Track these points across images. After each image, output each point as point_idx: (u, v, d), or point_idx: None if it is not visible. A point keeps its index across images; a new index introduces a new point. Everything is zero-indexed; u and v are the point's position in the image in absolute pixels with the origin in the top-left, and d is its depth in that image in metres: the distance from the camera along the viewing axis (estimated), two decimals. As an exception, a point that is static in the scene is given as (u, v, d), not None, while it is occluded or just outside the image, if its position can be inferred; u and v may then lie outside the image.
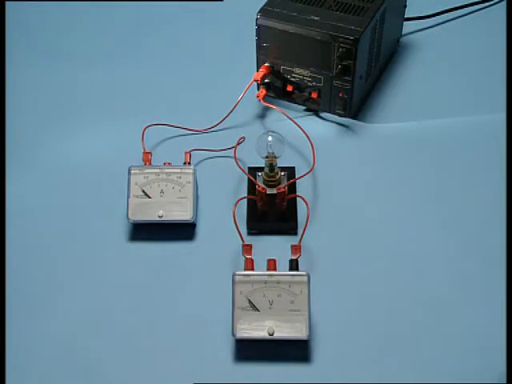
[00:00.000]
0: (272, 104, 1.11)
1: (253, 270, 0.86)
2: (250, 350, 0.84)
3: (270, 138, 0.95)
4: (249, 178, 1.00)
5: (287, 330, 0.82)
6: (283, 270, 0.85)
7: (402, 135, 1.11)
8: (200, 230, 0.98)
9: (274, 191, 0.96)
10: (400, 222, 0.98)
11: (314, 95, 1.11)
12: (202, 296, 0.90)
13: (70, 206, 1.02)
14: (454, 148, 1.08)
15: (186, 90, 1.20)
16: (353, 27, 1.03)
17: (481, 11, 1.35)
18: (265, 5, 1.09)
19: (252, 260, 0.87)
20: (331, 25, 1.04)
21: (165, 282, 0.92)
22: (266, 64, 1.11)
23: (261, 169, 0.99)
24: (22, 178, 1.06)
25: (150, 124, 1.07)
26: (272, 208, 0.97)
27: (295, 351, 0.83)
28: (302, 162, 1.05)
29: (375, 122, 1.13)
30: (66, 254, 0.96)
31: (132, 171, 0.98)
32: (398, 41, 1.27)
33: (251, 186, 0.99)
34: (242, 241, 0.89)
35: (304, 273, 0.84)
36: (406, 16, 1.25)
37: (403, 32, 1.28)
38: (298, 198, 0.98)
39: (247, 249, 0.88)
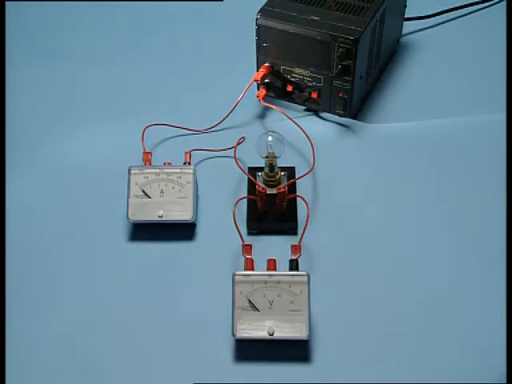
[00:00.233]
0: (272, 104, 1.11)
1: (253, 269, 0.86)
2: (249, 350, 0.84)
3: (270, 138, 0.95)
4: (249, 178, 1.00)
5: (287, 329, 0.82)
6: (283, 270, 0.85)
7: (402, 135, 1.11)
8: (200, 230, 0.98)
9: (274, 191, 0.96)
10: (400, 222, 0.98)
11: (314, 95, 1.11)
12: (201, 296, 0.90)
13: (70, 206, 1.02)
14: (454, 148, 1.08)
15: (186, 90, 1.20)
16: (353, 27, 1.03)
17: (481, 11, 1.35)
18: (265, 5, 1.09)
19: (252, 260, 0.87)
20: (331, 25, 1.04)
21: (165, 282, 0.92)
22: (266, 64, 1.11)
23: (261, 169, 0.99)
24: (21, 178, 1.06)
25: (150, 124, 1.07)
26: (272, 208, 0.97)
27: (295, 351, 0.83)
28: (302, 162, 1.05)
29: (375, 121, 1.13)
30: (65, 254, 0.96)
31: (132, 171, 0.98)
32: (398, 41, 1.27)
33: (251, 186, 0.99)
34: (242, 241, 0.89)
35: (304, 273, 0.84)
36: (406, 16, 1.25)
37: (403, 32, 1.28)
38: (298, 198, 0.98)
39: (247, 249, 0.88)
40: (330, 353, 0.84)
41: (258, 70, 1.12)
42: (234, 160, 1.00)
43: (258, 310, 0.82)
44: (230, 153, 1.03)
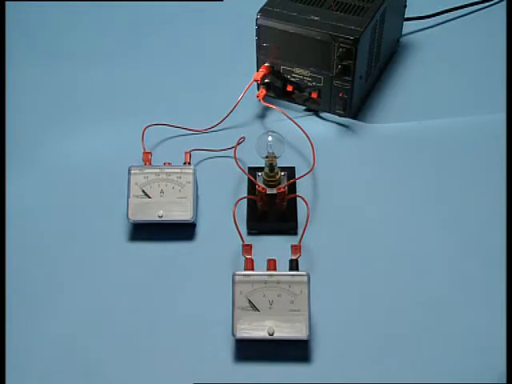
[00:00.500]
0: (272, 104, 1.11)
1: (253, 270, 0.86)
2: (250, 350, 0.84)
3: (270, 138, 0.95)
4: (249, 178, 1.00)
5: (287, 329, 0.82)
6: (283, 270, 0.85)
7: (402, 135, 1.11)
8: (200, 230, 0.98)
9: (274, 191, 0.96)
10: (400, 222, 0.98)
11: (314, 95, 1.11)
12: (202, 296, 0.90)
13: (70, 206, 1.02)
14: (454, 148, 1.08)
15: (186, 90, 1.20)
16: (353, 27, 1.03)
17: (481, 11, 1.35)
18: (265, 5, 1.09)
19: (252, 260, 0.87)
20: (331, 25, 1.04)
21: (165, 282, 0.92)
22: (266, 64, 1.11)
23: (261, 169, 0.99)
24: (21, 178, 1.06)
25: (150, 124, 1.07)
26: (272, 208, 0.97)
27: (295, 351, 0.83)
28: (302, 162, 1.05)
29: (375, 121, 1.13)
30: (66, 254, 0.96)
31: (132, 171, 0.98)
32: (398, 41, 1.27)
33: (251, 186, 0.99)
34: (242, 241, 0.89)
35: (304, 273, 0.84)
36: (406, 16, 1.25)
37: (403, 32, 1.28)
38: (298, 198, 0.98)
39: (247, 249, 0.88)
40: (330, 353, 0.84)
41: (257, 70, 1.12)
42: (234, 160, 1.00)
43: (258, 310, 0.82)
44: (230, 153, 1.03)
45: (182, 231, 0.97)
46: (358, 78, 1.07)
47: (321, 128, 1.12)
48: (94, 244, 0.97)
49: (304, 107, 1.15)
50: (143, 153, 1.02)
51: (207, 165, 1.06)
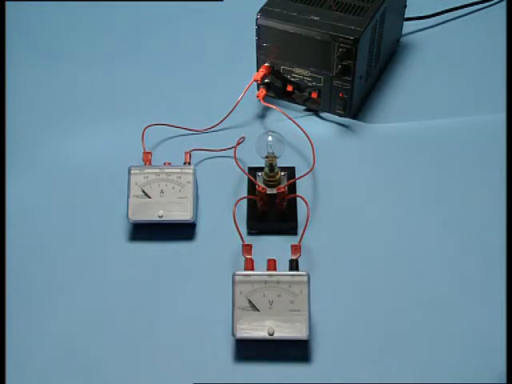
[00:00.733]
0: (272, 104, 1.11)
1: (253, 270, 0.86)
2: (250, 350, 0.84)
3: (270, 138, 0.95)
4: (249, 178, 1.00)
5: (287, 329, 0.82)
6: (283, 270, 0.85)
7: (402, 135, 1.11)
8: (200, 230, 0.98)
9: (274, 191, 0.96)
10: (400, 222, 0.98)
11: (314, 95, 1.11)
12: (202, 296, 0.90)
13: (70, 206, 1.02)
14: (454, 148, 1.08)
15: (186, 90, 1.20)
16: (353, 27, 1.03)
17: (481, 11, 1.35)
18: (265, 5, 1.09)
19: (252, 260, 0.87)
20: (331, 25, 1.04)
21: (165, 282, 0.92)
22: (266, 64, 1.11)
23: (261, 169, 0.99)
24: (22, 177, 1.06)
25: (150, 124, 1.07)
26: (272, 208, 0.97)
27: (295, 351, 0.83)
28: (302, 162, 1.05)
29: (375, 121, 1.13)
30: (66, 254, 0.96)
31: (132, 171, 0.98)
32: (398, 41, 1.27)
33: (251, 186, 0.99)
34: (242, 241, 0.89)
35: (304, 273, 0.84)
36: (406, 16, 1.25)
37: (403, 32, 1.28)
38: (298, 198, 0.98)
39: (247, 249, 0.88)
40: (330, 353, 0.84)
41: (257, 70, 1.12)
42: (234, 160, 1.00)
43: (258, 310, 0.82)
44: (230, 153, 1.03)
45: (182, 231, 0.97)
46: (358, 78, 1.07)
47: (321, 128, 1.12)
48: (94, 244, 0.97)
49: (304, 107, 1.15)
50: (143, 153, 1.02)
51: (207, 165, 1.06)
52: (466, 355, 0.83)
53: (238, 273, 0.84)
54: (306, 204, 0.93)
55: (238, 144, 1.05)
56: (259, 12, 1.08)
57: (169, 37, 1.32)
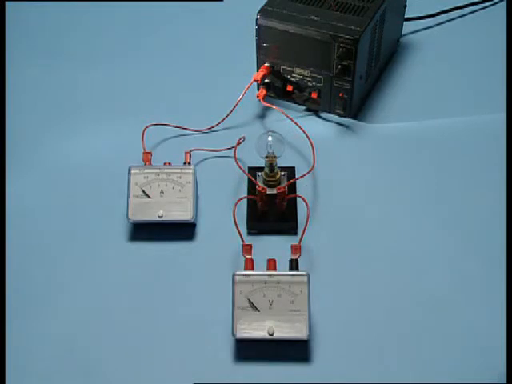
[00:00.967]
0: (272, 104, 1.11)
1: (253, 270, 0.86)
2: (250, 350, 0.84)
3: (270, 138, 0.95)
4: (249, 178, 1.00)
5: (287, 329, 0.82)
6: (283, 270, 0.85)
7: (402, 135, 1.11)
8: (200, 230, 0.98)
9: (274, 191, 0.96)
10: (400, 221, 0.98)
11: (314, 95, 1.11)
12: (202, 296, 0.90)
13: (70, 206, 1.02)
14: (454, 148, 1.08)
15: (186, 90, 1.20)
16: (353, 27, 1.03)
17: (481, 11, 1.35)
18: (265, 5, 1.09)
19: (252, 260, 0.87)
20: (331, 25, 1.04)
21: (165, 282, 0.92)
22: (266, 64, 1.11)
23: (261, 169, 0.99)
24: (22, 178, 1.06)
25: (150, 124, 1.07)
26: (272, 208, 0.97)
27: (295, 351, 0.83)
28: (302, 162, 1.05)
29: (375, 121, 1.13)
30: (66, 254, 0.96)
31: (132, 171, 0.98)
32: (398, 41, 1.27)
33: (251, 186, 0.99)
34: (242, 241, 0.89)
35: (304, 273, 0.83)
36: (406, 16, 1.25)
37: (403, 32, 1.28)
38: (298, 198, 0.98)
39: (247, 249, 0.88)
40: (330, 353, 0.84)
41: (257, 70, 1.12)
42: (234, 160, 1.00)
43: (258, 310, 0.82)
44: (230, 153, 1.03)
45: (182, 231, 0.97)
46: (358, 78, 1.07)
47: (321, 128, 1.12)
48: (94, 244, 0.97)
49: (304, 107, 1.15)
50: (143, 153, 1.02)
51: (207, 165, 1.06)
52: (466, 355, 0.83)
53: (237, 273, 0.84)
54: (306, 204, 0.93)
55: (238, 144, 1.05)
56: (259, 12, 1.08)
57: (169, 37, 1.32)
